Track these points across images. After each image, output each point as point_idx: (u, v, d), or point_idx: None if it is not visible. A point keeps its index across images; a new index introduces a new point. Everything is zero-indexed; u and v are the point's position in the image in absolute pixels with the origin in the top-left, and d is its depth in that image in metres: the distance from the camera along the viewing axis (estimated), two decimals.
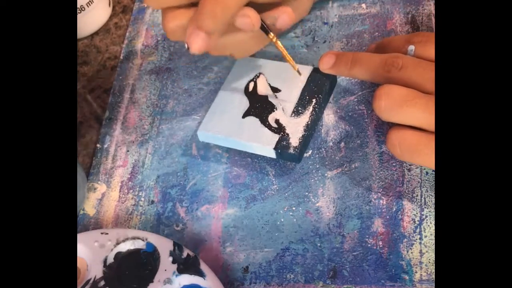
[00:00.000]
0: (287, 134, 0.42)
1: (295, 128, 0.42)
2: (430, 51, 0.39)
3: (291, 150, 0.41)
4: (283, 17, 0.40)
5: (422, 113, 0.36)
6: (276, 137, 0.42)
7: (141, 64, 0.53)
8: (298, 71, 0.43)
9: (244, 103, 0.45)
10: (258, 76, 0.46)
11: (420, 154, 0.36)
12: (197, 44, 0.37)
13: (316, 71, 0.45)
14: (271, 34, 0.41)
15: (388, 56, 0.40)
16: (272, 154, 0.42)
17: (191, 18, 0.38)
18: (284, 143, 0.42)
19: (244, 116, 0.44)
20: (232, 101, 0.45)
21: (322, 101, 0.44)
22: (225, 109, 0.45)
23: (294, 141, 0.42)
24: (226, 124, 0.44)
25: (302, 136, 0.42)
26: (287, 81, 0.45)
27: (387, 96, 0.37)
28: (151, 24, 0.55)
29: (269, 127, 0.43)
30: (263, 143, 0.42)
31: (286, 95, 0.44)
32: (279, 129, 0.43)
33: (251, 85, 0.46)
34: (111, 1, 0.57)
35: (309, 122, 0.43)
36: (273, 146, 0.42)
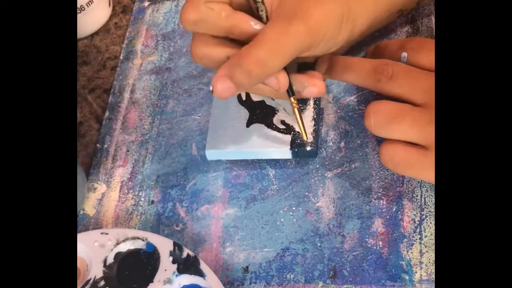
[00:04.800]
0: (298, 132, 0.42)
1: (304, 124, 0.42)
2: (423, 58, 0.39)
3: (308, 147, 0.41)
4: (311, 89, 0.38)
5: (410, 128, 0.36)
6: (288, 137, 0.42)
7: (141, 64, 0.53)
8: (306, 141, 0.41)
9: (243, 113, 0.44)
10: None
11: (412, 168, 0.37)
12: (222, 91, 0.36)
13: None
14: (293, 99, 0.39)
15: (379, 63, 0.39)
16: (288, 155, 0.42)
17: (226, 63, 0.36)
18: (299, 141, 0.42)
19: (248, 125, 0.44)
20: (230, 114, 0.44)
21: None
22: (225, 123, 0.44)
23: (308, 137, 0.42)
24: (232, 137, 0.43)
25: (314, 130, 0.42)
26: None
27: (376, 114, 0.37)
28: (151, 24, 0.55)
29: (277, 129, 0.43)
30: (277, 146, 0.42)
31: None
32: (288, 129, 0.43)
33: (243, 94, 0.45)
34: (111, 1, 0.57)
35: (315, 116, 0.43)
36: (289, 146, 0.42)
